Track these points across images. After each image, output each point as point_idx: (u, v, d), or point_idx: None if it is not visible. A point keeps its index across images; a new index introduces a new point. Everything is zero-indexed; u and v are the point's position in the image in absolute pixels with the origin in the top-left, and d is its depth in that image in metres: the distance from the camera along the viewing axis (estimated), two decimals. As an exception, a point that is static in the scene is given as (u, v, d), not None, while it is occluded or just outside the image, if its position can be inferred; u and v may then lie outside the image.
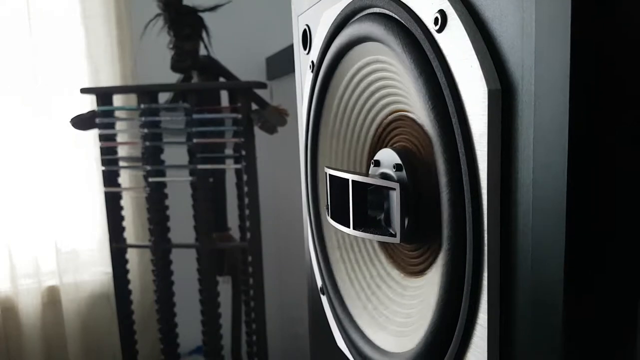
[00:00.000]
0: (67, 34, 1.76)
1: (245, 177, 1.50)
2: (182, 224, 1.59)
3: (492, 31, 0.29)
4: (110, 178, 1.52)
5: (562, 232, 0.26)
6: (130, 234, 1.68)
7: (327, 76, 0.48)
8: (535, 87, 0.26)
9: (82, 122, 1.52)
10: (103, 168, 1.50)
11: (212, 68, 1.62)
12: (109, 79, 1.77)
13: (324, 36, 0.48)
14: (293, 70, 0.64)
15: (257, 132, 1.49)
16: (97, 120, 1.50)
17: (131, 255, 1.64)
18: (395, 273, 0.46)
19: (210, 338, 1.57)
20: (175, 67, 1.55)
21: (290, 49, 1.70)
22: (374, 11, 0.39)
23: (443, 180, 0.31)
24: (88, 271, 1.80)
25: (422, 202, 0.39)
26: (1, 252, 1.69)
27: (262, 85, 1.52)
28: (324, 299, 0.56)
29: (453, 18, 0.30)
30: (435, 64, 0.31)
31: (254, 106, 1.52)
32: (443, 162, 0.31)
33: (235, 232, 1.66)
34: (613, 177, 0.26)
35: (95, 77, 1.76)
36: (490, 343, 0.31)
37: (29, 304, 1.72)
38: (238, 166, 1.49)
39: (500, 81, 0.28)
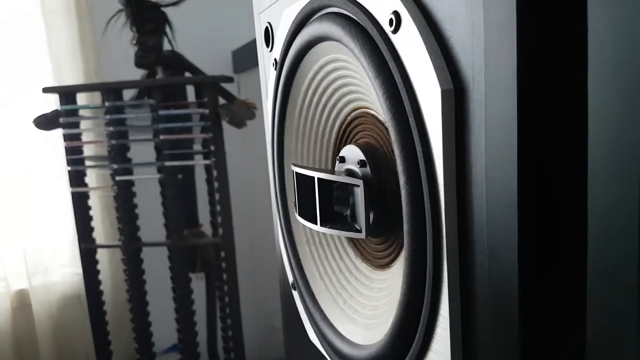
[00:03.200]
0: (28, 31, 1.72)
1: (215, 173, 1.50)
2: (152, 222, 1.58)
3: (445, 32, 0.30)
4: (77, 178, 1.50)
5: (514, 225, 0.27)
6: (99, 234, 1.66)
7: (290, 74, 0.49)
8: (485, 87, 0.27)
9: (45, 122, 1.49)
10: (69, 168, 1.48)
11: (177, 63, 1.60)
12: (71, 77, 1.74)
13: (285, 34, 0.49)
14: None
15: (226, 126, 1.49)
16: (61, 120, 1.47)
17: (101, 255, 1.62)
18: (363, 267, 0.47)
19: (186, 335, 1.57)
20: (139, 63, 1.53)
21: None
22: (333, 11, 0.40)
23: (402, 177, 0.32)
24: (58, 273, 1.78)
25: (386, 198, 0.40)
26: (-34, 257, 1.65)
27: (229, 79, 1.52)
28: (295, 294, 0.57)
29: (407, 19, 0.31)
30: (391, 64, 0.32)
31: (222, 100, 1.51)
32: (402, 159, 0.32)
33: (207, 228, 1.66)
34: (561, 172, 0.27)
35: (58, 75, 1.73)
36: (452, 333, 0.32)
37: (-3, 309, 1.69)
38: (207, 162, 1.49)
39: (453, 81, 0.29)
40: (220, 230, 1.54)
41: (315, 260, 0.52)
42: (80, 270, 1.72)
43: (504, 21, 0.26)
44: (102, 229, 1.73)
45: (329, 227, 0.43)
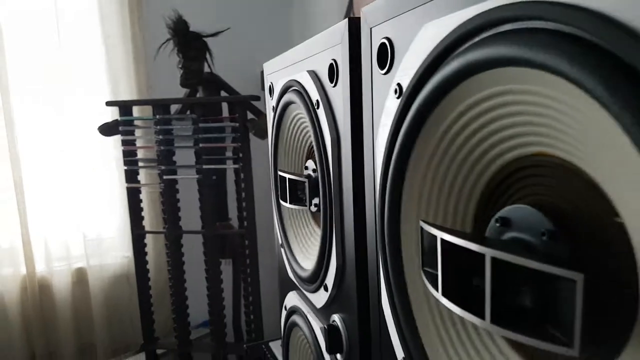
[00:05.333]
0: (90, 54, 2.15)
1: (242, 175, 1.89)
2: (190, 214, 1.98)
3: (336, 112, 0.67)
4: (131, 176, 1.91)
5: (351, 210, 0.64)
6: (147, 223, 2.06)
7: (279, 117, 0.87)
8: (343, 141, 0.65)
9: (107, 129, 1.91)
10: (125, 168, 1.90)
11: (215, 83, 2.00)
12: (126, 93, 2.16)
13: (277, 94, 0.87)
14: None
15: (252, 137, 1.88)
16: (120, 128, 1.89)
17: (147, 240, 2.03)
18: (315, 230, 0.85)
19: (215, 311, 1.95)
20: (184, 84, 1.94)
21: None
22: (296, 88, 0.78)
23: (320, 181, 0.70)
24: (110, 255, 2.21)
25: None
26: (38, 239, 2.10)
27: (256, 98, 1.90)
28: (282, 251, 0.95)
29: (321, 104, 0.69)
30: (317, 124, 0.70)
31: (251, 115, 1.90)
32: (319, 171, 0.70)
33: (234, 222, 2.05)
34: (362, 189, 0.64)
35: (115, 90, 2.15)
36: (337, 257, 0.69)
37: (61, 283, 2.13)
38: (236, 166, 1.88)
39: (337, 136, 0.66)
40: (245, 223, 1.93)
41: (294, 229, 0.90)
42: (128, 253, 2.15)
43: (346, 116, 0.63)
44: (148, 219, 2.14)
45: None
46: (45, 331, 2.14)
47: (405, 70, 0.49)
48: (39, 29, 2.09)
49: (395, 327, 0.53)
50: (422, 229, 0.45)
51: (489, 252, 0.36)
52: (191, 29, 1.92)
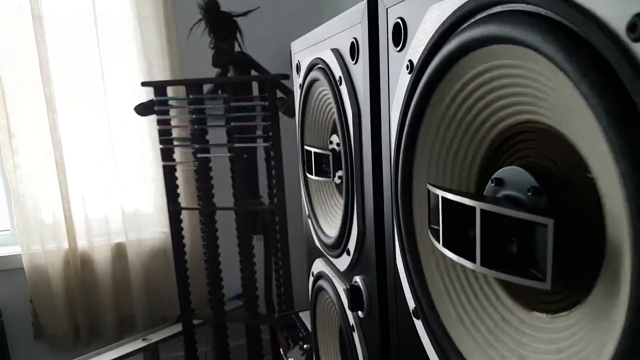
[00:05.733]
0: (127, 37, 2.24)
1: (272, 154, 1.95)
2: (223, 191, 2.06)
3: (357, 89, 0.73)
4: (166, 154, 2.00)
5: (370, 178, 0.70)
6: (182, 200, 2.15)
7: (305, 94, 0.93)
8: (363, 115, 0.70)
9: (143, 109, 2.00)
10: (161, 146, 1.98)
11: (245, 62, 2.06)
12: (160, 74, 2.24)
13: (303, 73, 0.93)
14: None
15: (281, 115, 1.94)
16: (155, 108, 1.97)
17: (183, 216, 2.12)
18: (340, 199, 0.91)
19: (248, 283, 2.04)
20: (215, 64, 2.00)
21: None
22: (320, 66, 0.83)
23: (342, 146, 0.76)
24: (148, 231, 2.31)
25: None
26: (80, 216, 2.21)
27: (286, 77, 1.96)
28: (309, 221, 1.01)
29: (343, 81, 0.74)
30: (339, 100, 0.76)
31: (280, 94, 1.96)
32: (342, 144, 0.76)
33: (265, 199, 2.12)
34: (380, 157, 0.70)
35: (149, 71, 2.23)
36: (358, 223, 0.75)
37: (102, 257, 2.24)
38: (266, 144, 1.95)
39: (358, 110, 0.72)
40: (275, 200, 2.00)
41: (319, 201, 0.96)
42: (165, 229, 2.25)
43: (366, 91, 0.69)
44: (184, 196, 2.23)
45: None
46: (88, 303, 2.26)
47: (416, 48, 0.54)
48: (77, 17, 2.18)
49: (408, 282, 0.59)
50: (428, 191, 0.51)
51: (478, 205, 0.42)
52: (222, 8, 1.97)
